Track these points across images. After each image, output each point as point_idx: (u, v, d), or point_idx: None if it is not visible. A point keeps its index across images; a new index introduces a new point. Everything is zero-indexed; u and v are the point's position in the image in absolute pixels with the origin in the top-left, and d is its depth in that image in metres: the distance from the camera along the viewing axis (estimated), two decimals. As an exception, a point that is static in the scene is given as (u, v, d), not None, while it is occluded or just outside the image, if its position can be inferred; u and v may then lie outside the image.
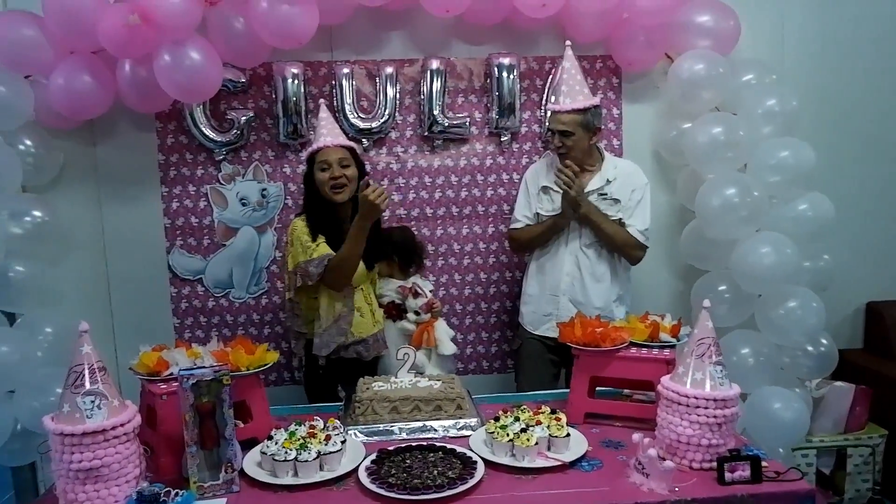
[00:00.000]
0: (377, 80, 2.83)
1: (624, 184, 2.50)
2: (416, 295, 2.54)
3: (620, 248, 2.53)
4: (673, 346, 1.98)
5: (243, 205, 2.84)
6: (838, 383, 2.98)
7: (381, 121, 2.83)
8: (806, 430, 2.75)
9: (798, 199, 2.72)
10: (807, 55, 3.11)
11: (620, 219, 2.50)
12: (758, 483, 1.58)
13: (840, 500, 2.96)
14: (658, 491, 1.54)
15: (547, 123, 2.72)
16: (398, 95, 2.86)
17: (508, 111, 2.87)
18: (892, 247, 3.28)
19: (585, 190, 2.46)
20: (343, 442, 1.68)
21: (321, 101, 2.50)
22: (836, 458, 2.97)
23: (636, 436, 1.62)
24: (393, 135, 2.90)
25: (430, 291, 2.63)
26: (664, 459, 1.66)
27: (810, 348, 2.82)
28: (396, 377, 2.06)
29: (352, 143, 2.38)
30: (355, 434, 1.83)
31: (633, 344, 1.99)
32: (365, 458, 1.66)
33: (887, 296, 3.26)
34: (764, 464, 1.64)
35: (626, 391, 2.14)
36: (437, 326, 2.56)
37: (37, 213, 2.44)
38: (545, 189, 2.56)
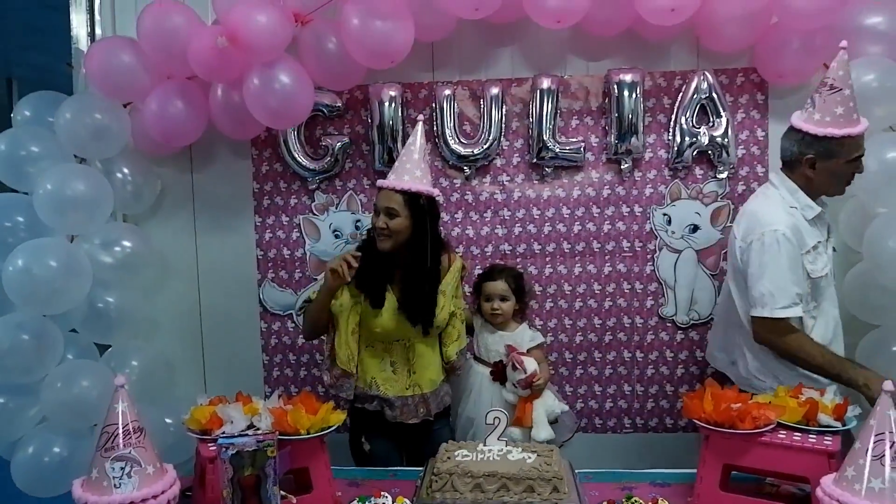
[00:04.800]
0: (482, 102, 2.58)
1: None
2: (514, 367, 2.17)
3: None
4: (837, 433, 1.54)
5: (336, 237, 2.68)
6: None
7: (485, 146, 2.57)
8: None
9: None
10: None
11: None
12: None
13: None
14: None
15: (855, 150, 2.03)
16: (504, 118, 2.59)
17: (630, 134, 2.51)
18: None
19: None
20: (410, 525, 1.41)
21: (419, 116, 2.21)
22: None
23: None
24: (498, 162, 2.63)
25: (535, 362, 2.19)
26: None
27: None
28: (485, 444, 1.76)
29: (418, 188, 2.01)
30: (428, 513, 1.56)
31: (780, 426, 1.57)
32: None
33: None
34: None
35: (771, 480, 1.72)
36: (537, 406, 2.17)
37: (127, 243, 2.40)
38: (816, 246, 2.00)
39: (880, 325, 2.38)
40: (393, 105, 2.53)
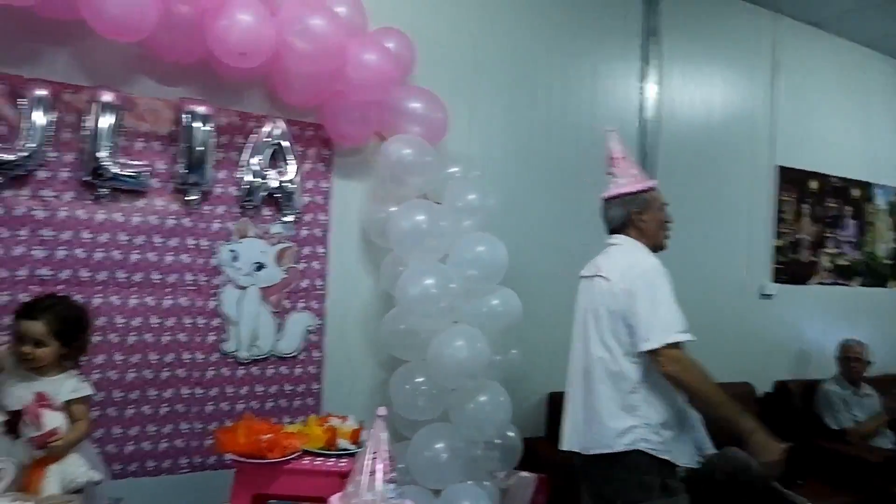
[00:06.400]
0: (24, 102, 2.23)
1: None
2: (28, 421, 1.75)
3: None
4: (352, 455, 1.73)
5: None
6: (522, 473, 3.03)
7: (24, 154, 2.22)
8: (489, 529, 2.69)
9: (490, 293, 2.76)
10: (509, 157, 3.31)
11: None
12: None
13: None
14: None
15: None
16: (52, 126, 2.28)
17: (199, 167, 2.48)
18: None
19: None
20: None
21: None
22: (519, 549, 2.97)
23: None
24: (41, 174, 2.29)
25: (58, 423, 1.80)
26: None
27: (499, 441, 2.82)
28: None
29: None
30: None
31: (307, 453, 1.69)
32: None
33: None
34: None
35: (301, 505, 1.83)
36: (51, 472, 1.77)
37: None
38: None
39: (409, 361, 2.78)
40: None
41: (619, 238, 2.26)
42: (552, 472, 3.08)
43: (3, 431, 1.79)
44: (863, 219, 4.80)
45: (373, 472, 1.44)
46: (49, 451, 1.76)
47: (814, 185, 4.50)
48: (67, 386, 1.91)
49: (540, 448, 3.28)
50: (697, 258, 3.87)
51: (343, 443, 1.73)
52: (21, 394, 1.84)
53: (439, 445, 2.60)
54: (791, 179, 4.36)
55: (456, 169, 2.89)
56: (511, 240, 2.85)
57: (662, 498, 2.00)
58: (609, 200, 2.31)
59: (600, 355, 2.11)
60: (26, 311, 1.88)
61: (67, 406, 1.88)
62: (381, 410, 1.51)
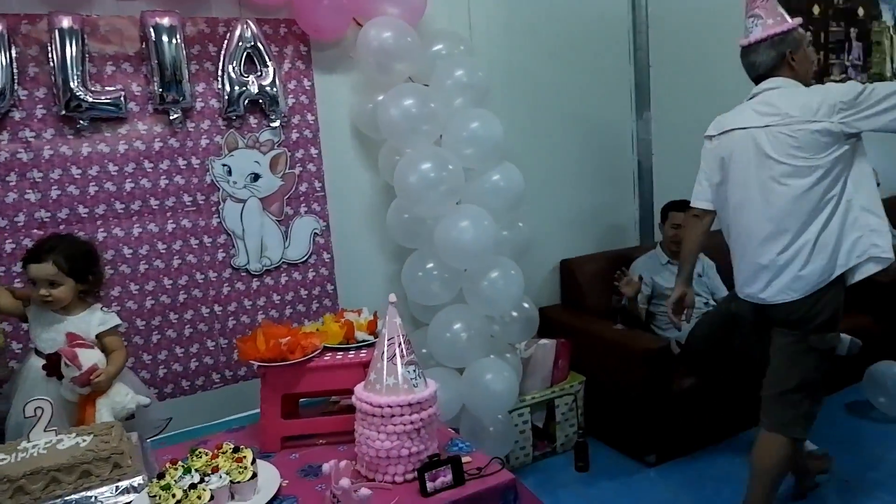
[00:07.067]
0: (-20, 42, 2.14)
1: None
2: (67, 363, 1.78)
3: None
4: (371, 345, 1.79)
5: None
6: (543, 341, 3.15)
7: (-7, 96, 2.16)
8: (516, 397, 2.83)
9: (491, 170, 2.74)
10: (494, 27, 3.17)
11: None
12: (461, 485, 1.47)
13: (554, 448, 3.15)
14: (357, 525, 1.33)
15: None
16: (16, 63, 2.20)
17: (175, 83, 2.40)
18: (577, 209, 3.57)
19: None
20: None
21: None
22: (547, 410, 3.15)
23: (326, 466, 1.39)
24: (16, 115, 2.23)
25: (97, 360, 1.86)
26: (368, 479, 1.49)
27: (515, 314, 2.91)
28: (29, 440, 1.56)
29: None
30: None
31: (327, 349, 1.76)
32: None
33: (576, 252, 3.53)
34: (467, 459, 1.55)
35: (334, 398, 1.93)
36: (100, 405, 1.84)
37: None
38: None
39: (417, 248, 2.82)
40: None
41: (775, 81, 2.18)
42: (570, 336, 3.20)
43: (45, 374, 1.83)
44: (868, 39, 4.59)
45: (392, 358, 1.50)
46: (93, 387, 1.82)
47: (816, 10, 4.28)
48: (94, 320, 1.95)
49: (556, 315, 3.40)
50: (704, 94, 3.73)
51: (361, 335, 1.79)
52: (52, 336, 1.90)
53: (458, 326, 2.69)
54: (792, 9, 4.12)
55: (440, 46, 2.79)
56: (507, 113, 2.79)
57: None
58: (753, 45, 2.21)
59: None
60: (32, 255, 1.90)
61: (99, 340, 1.93)
62: (392, 297, 1.54)
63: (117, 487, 1.48)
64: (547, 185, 3.38)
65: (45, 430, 1.57)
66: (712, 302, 3.29)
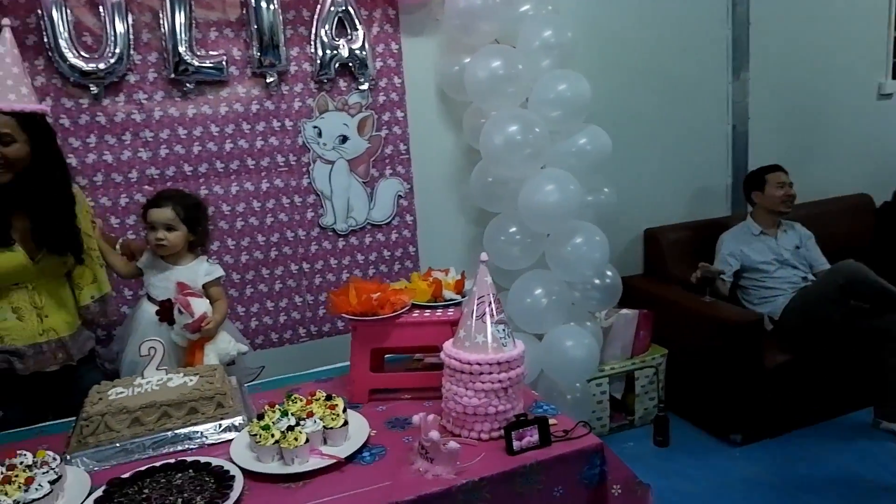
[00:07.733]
0: (101, 10, 2.28)
1: None
2: (181, 310, 1.93)
3: None
4: (458, 304, 1.83)
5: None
6: (624, 311, 3.11)
7: (112, 61, 2.30)
8: (596, 365, 2.83)
9: (577, 133, 2.69)
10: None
11: None
12: (547, 446, 1.49)
13: (632, 421, 3.13)
14: (444, 476, 1.38)
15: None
16: (132, 30, 2.33)
17: (272, 47, 2.48)
18: (664, 175, 3.46)
19: None
20: (56, 480, 1.31)
21: (3, 20, 1.80)
22: (626, 382, 3.13)
23: (416, 417, 1.44)
24: (131, 78, 2.38)
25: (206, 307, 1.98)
26: (454, 434, 1.52)
27: (597, 281, 2.88)
28: (143, 377, 1.69)
29: (32, 108, 1.75)
30: (80, 462, 1.46)
31: (415, 306, 1.81)
32: (89, 496, 1.31)
33: (662, 221, 3.45)
34: (553, 421, 1.56)
35: (418, 355, 1.98)
36: (208, 350, 1.97)
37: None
38: None
39: (500, 212, 2.83)
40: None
41: None
42: (653, 307, 3.14)
43: (158, 320, 1.99)
44: None
45: (482, 316, 1.52)
46: (203, 333, 1.95)
47: None
48: (202, 270, 2.08)
49: (639, 285, 3.33)
50: (806, 52, 3.54)
51: (448, 293, 1.82)
52: (163, 284, 2.04)
53: (538, 291, 2.69)
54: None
55: (527, 7, 2.74)
56: (593, 74, 2.73)
57: None
58: None
59: None
60: (154, 201, 2.04)
61: (205, 289, 2.06)
62: (483, 256, 1.56)
63: (220, 425, 1.59)
64: (633, 150, 3.28)
65: (157, 369, 1.71)
66: (811, 276, 3.14)
